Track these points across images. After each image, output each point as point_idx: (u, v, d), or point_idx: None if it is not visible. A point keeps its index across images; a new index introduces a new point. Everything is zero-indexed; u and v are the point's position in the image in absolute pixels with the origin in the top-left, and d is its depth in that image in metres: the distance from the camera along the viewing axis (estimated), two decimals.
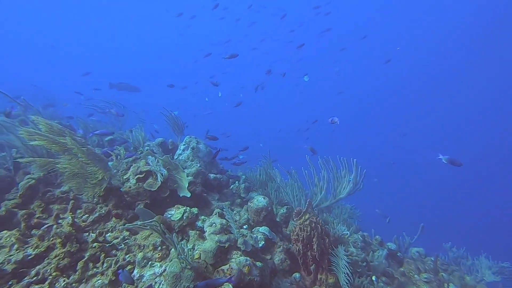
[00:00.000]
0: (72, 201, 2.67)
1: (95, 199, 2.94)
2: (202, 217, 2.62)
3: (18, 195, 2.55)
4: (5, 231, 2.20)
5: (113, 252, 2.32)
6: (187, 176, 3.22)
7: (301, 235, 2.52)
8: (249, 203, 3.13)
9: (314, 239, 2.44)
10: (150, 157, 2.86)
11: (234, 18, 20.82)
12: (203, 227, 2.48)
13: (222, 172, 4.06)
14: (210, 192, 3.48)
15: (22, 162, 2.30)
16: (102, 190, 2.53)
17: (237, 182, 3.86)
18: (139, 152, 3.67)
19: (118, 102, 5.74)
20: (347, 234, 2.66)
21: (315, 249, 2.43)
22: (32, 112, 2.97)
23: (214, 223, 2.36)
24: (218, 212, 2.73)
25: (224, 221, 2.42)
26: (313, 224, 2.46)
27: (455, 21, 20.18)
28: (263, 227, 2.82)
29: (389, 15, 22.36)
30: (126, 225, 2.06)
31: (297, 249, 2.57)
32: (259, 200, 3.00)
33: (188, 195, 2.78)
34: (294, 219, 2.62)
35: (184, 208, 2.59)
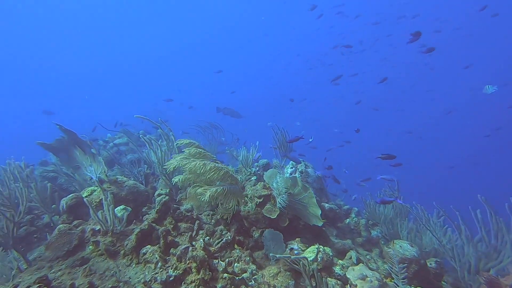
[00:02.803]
0: (197, 222, 2.67)
1: (212, 221, 2.89)
2: (340, 261, 2.13)
3: (155, 210, 2.70)
4: (149, 246, 2.27)
5: (242, 287, 2.08)
6: None
7: None
8: (385, 248, 2.47)
9: None
10: (278, 176, 2.63)
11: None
12: (346, 275, 1.98)
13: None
14: (326, 225, 2.99)
15: (180, 184, 2.34)
16: (231, 214, 2.40)
17: (353, 215, 3.25)
18: (248, 174, 3.59)
19: (217, 123, 6.19)
20: None
21: None
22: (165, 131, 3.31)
23: (367, 275, 1.83)
24: (356, 257, 2.19)
25: (378, 275, 1.86)
26: None
27: None
28: None
29: None
30: (279, 255, 1.78)
31: None
32: (404, 248, 2.30)
33: (321, 224, 2.38)
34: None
35: (317, 246, 2.17)
